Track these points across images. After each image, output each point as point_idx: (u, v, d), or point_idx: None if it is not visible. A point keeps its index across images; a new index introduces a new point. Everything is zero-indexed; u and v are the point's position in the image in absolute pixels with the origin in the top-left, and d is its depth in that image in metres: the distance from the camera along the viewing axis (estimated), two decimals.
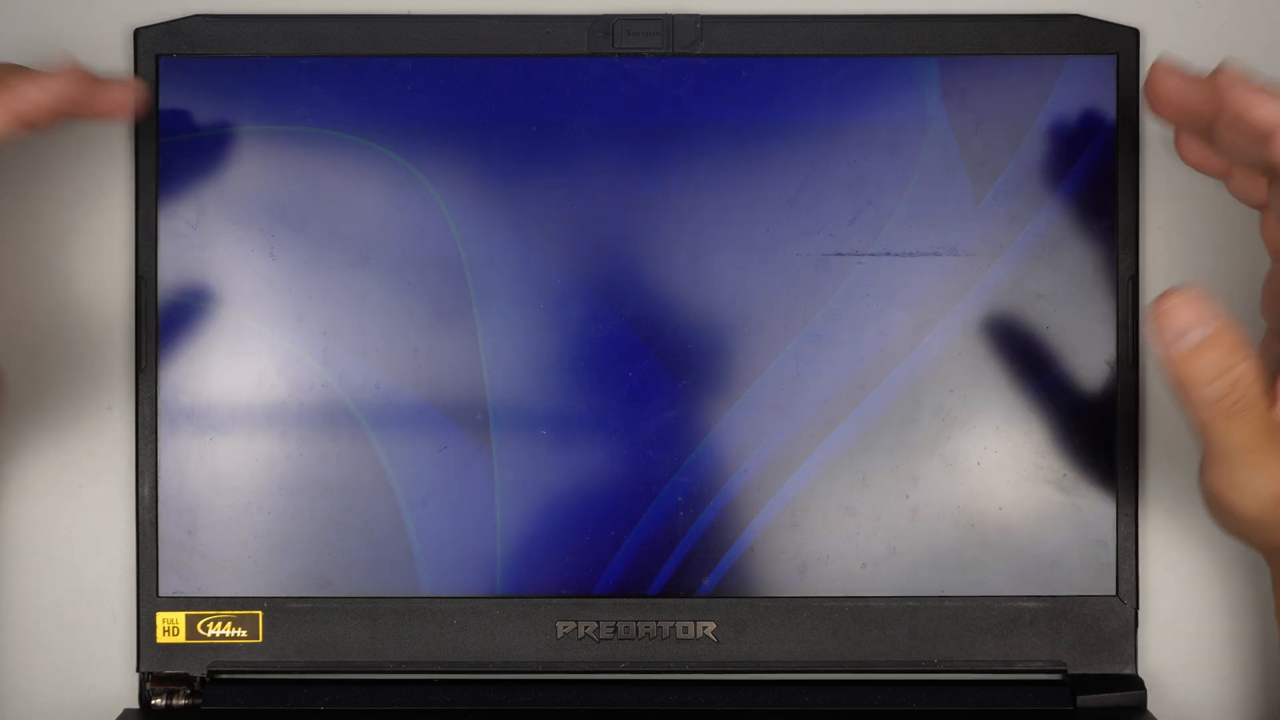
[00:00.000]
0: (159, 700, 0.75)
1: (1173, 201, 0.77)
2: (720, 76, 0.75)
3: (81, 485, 0.77)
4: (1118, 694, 0.75)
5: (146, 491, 0.75)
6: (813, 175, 0.75)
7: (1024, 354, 0.75)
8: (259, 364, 0.75)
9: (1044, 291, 0.75)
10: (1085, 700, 0.75)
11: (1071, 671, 0.75)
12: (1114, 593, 0.75)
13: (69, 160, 0.77)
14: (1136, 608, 0.75)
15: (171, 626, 0.75)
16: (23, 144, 0.76)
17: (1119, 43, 0.75)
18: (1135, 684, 0.75)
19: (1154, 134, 0.77)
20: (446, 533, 0.75)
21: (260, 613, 0.75)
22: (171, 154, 0.75)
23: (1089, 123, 0.75)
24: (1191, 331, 0.61)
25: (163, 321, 0.75)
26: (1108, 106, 0.75)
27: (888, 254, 0.75)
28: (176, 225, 0.75)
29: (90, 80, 0.67)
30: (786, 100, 0.75)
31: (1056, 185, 0.75)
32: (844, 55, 0.75)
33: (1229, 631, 0.78)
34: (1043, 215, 0.75)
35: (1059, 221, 0.75)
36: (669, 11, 0.76)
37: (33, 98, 0.66)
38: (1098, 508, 0.75)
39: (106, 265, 0.77)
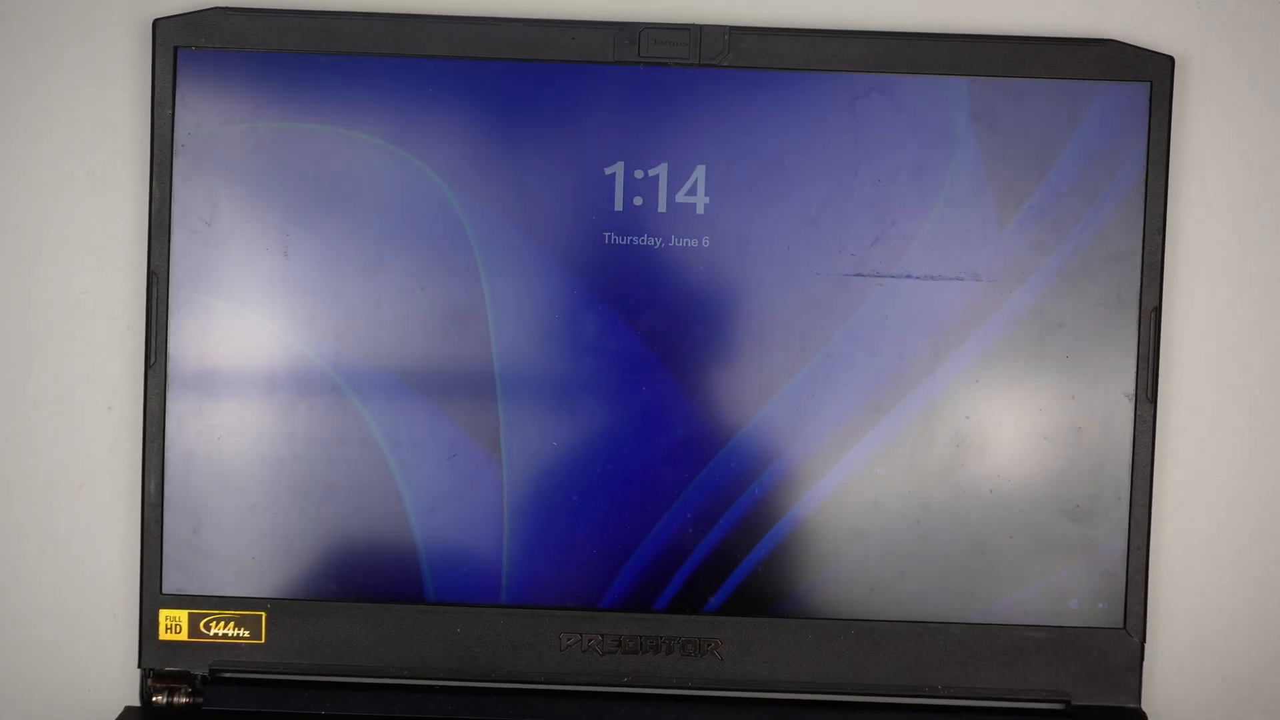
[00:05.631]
0: (160, 698, 0.75)
1: (1198, 235, 0.76)
2: (746, 89, 0.74)
3: (82, 485, 0.77)
4: None
5: (152, 487, 0.74)
6: (836, 194, 0.74)
7: (1042, 383, 0.75)
8: (269, 364, 0.75)
9: (1065, 320, 0.74)
10: None
11: (1074, 703, 0.75)
12: (1121, 625, 0.75)
13: (83, 152, 0.76)
14: (1143, 642, 0.75)
15: (174, 624, 0.75)
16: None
17: (1153, 70, 0.74)
18: (1137, 717, 0.75)
19: (1182, 166, 0.76)
20: (453, 540, 0.75)
21: (264, 613, 0.75)
22: (187, 148, 0.74)
23: (1118, 151, 0.74)
24: None
25: (173, 317, 0.74)
26: (1138, 135, 0.74)
27: (909, 276, 0.74)
28: (190, 221, 0.74)
29: None
30: (813, 116, 0.74)
31: (1083, 213, 0.74)
32: (873, 72, 0.74)
33: (1233, 668, 0.77)
34: (1068, 243, 0.74)
35: (1084, 250, 0.74)
36: (697, 21, 0.74)
37: None
38: (1109, 540, 0.75)
39: (119, 259, 0.76)
